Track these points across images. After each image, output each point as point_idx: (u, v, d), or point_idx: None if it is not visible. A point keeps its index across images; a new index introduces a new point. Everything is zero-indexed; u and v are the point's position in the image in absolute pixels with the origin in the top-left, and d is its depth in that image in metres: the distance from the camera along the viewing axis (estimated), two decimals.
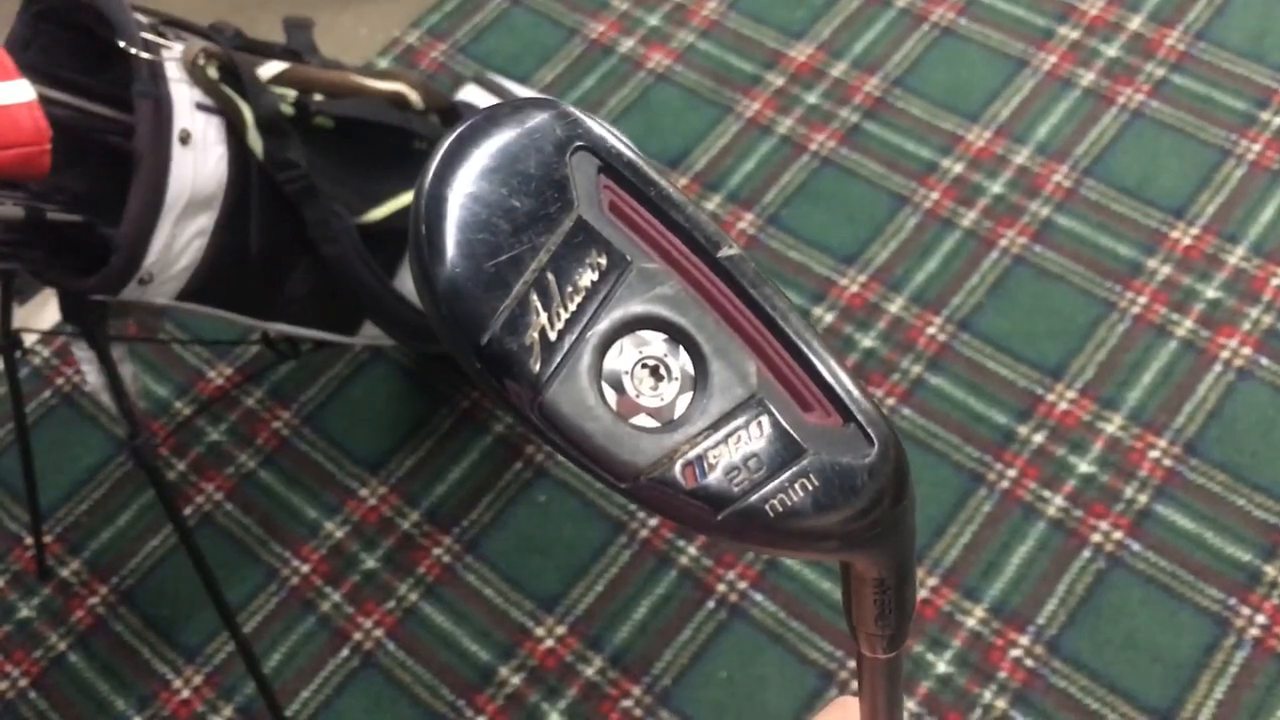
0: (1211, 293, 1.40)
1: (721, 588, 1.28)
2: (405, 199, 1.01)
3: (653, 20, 1.72)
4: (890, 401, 1.37)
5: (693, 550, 1.30)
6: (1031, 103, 1.56)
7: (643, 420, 0.25)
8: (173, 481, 1.41)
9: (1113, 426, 1.32)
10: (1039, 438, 1.32)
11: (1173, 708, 1.16)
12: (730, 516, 0.26)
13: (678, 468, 0.25)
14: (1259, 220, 1.44)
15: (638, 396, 0.26)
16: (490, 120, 0.26)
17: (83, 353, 1.01)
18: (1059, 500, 1.29)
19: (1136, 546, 1.25)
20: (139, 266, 0.87)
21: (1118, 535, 1.26)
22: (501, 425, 1.41)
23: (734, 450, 0.26)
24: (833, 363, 0.27)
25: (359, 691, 1.27)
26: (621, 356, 0.26)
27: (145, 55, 0.86)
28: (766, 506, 0.26)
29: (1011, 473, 1.31)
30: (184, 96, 0.88)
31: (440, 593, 1.32)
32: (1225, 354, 1.35)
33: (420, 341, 1.12)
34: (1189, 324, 1.38)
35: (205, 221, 0.91)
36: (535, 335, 0.25)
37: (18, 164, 0.78)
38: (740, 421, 0.26)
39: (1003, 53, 1.61)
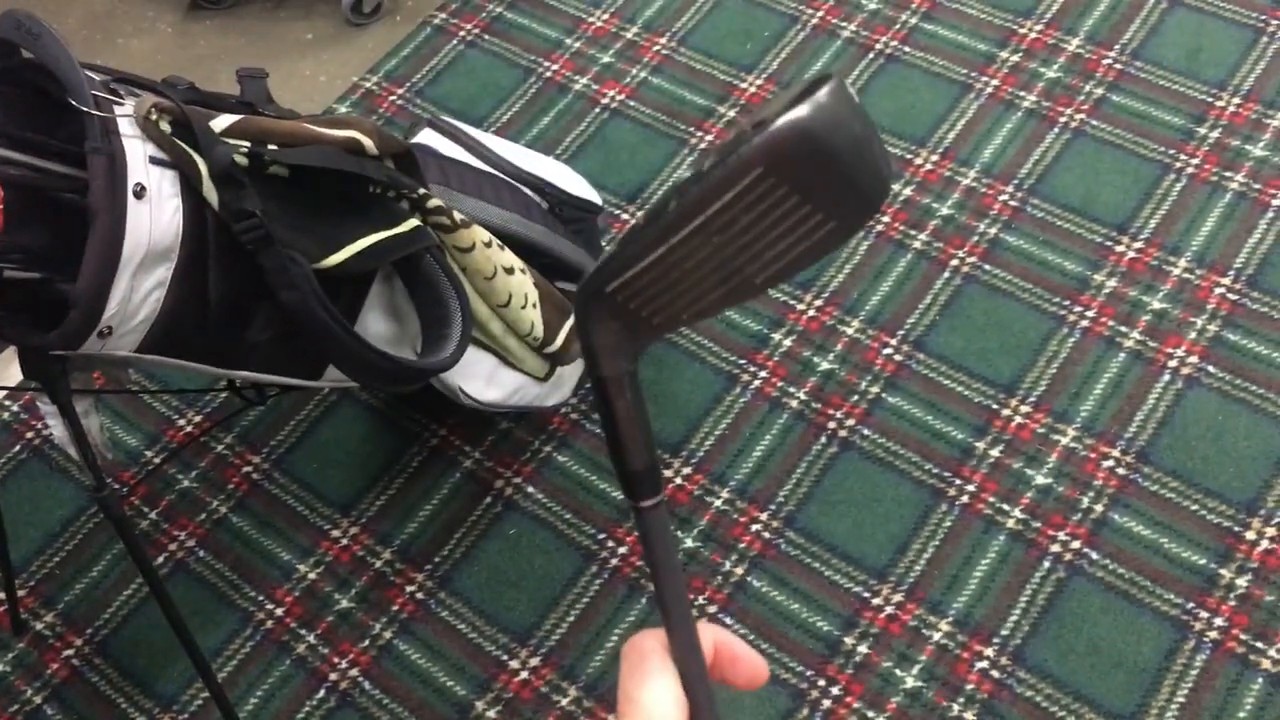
0: (1157, 304, 1.43)
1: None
2: (363, 243, 1.03)
3: (605, 58, 1.75)
4: (850, 422, 1.39)
5: None
6: (976, 125, 1.60)
7: None
8: (145, 530, 1.42)
9: (1067, 438, 1.35)
10: (996, 452, 1.35)
11: (1137, 712, 1.19)
12: None
13: None
14: (1200, 231, 1.47)
15: None
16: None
17: (47, 407, 1.02)
18: (1017, 512, 1.31)
19: (1095, 555, 1.28)
20: (98, 321, 0.89)
21: (1076, 544, 1.28)
22: (470, 461, 1.43)
23: None
24: None
25: None
26: None
27: (97, 113, 0.87)
28: None
29: (971, 487, 1.33)
30: (138, 151, 0.90)
31: (415, 629, 1.33)
32: (1173, 363, 1.39)
33: (382, 383, 1.14)
34: (1137, 335, 1.41)
35: (163, 273, 0.93)
36: None
37: None
38: None
39: (946, 77, 1.65)
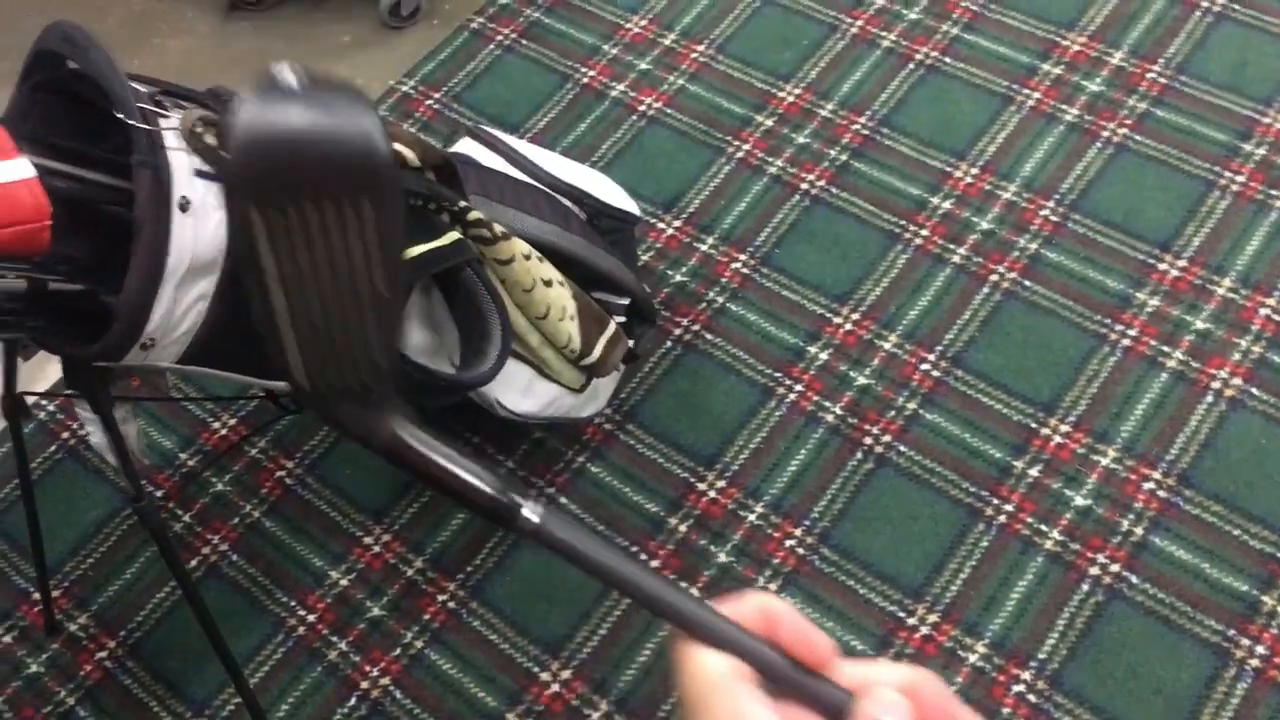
0: (1200, 324, 1.41)
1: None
2: (404, 256, 1.03)
3: (643, 64, 1.74)
4: (886, 438, 1.38)
5: (695, 591, 1.31)
6: (1017, 139, 1.58)
7: None
8: (178, 533, 1.42)
9: (1107, 459, 1.33)
10: (1034, 472, 1.34)
11: None
12: None
13: None
14: (1245, 251, 1.45)
15: None
16: None
17: (86, 413, 1.02)
18: (1056, 534, 1.30)
19: (1134, 579, 1.26)
20: (141, 333, 0.89)
21: (1115, 568, 1.27)
22: (503, 470, 1.43)
23: None
24: None
25: None
26: None
27: (144, 126, 0.87)
28: None
29: (1008, 507, 1.32)
30: (183, 164, 0.90)
31: (446, 639, 1.33)
32: (1216, 384, 1.37)
33: (418, 396, 1.13)
34: (1179, 355, 1.39)
35: (206, 286, 0.92)
36: None
37: (18, 241, 0.80)
38: None
39: (987, 90, 1.63)
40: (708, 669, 0.35)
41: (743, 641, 0.36)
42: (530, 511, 0.37)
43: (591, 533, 0.38)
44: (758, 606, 0.36)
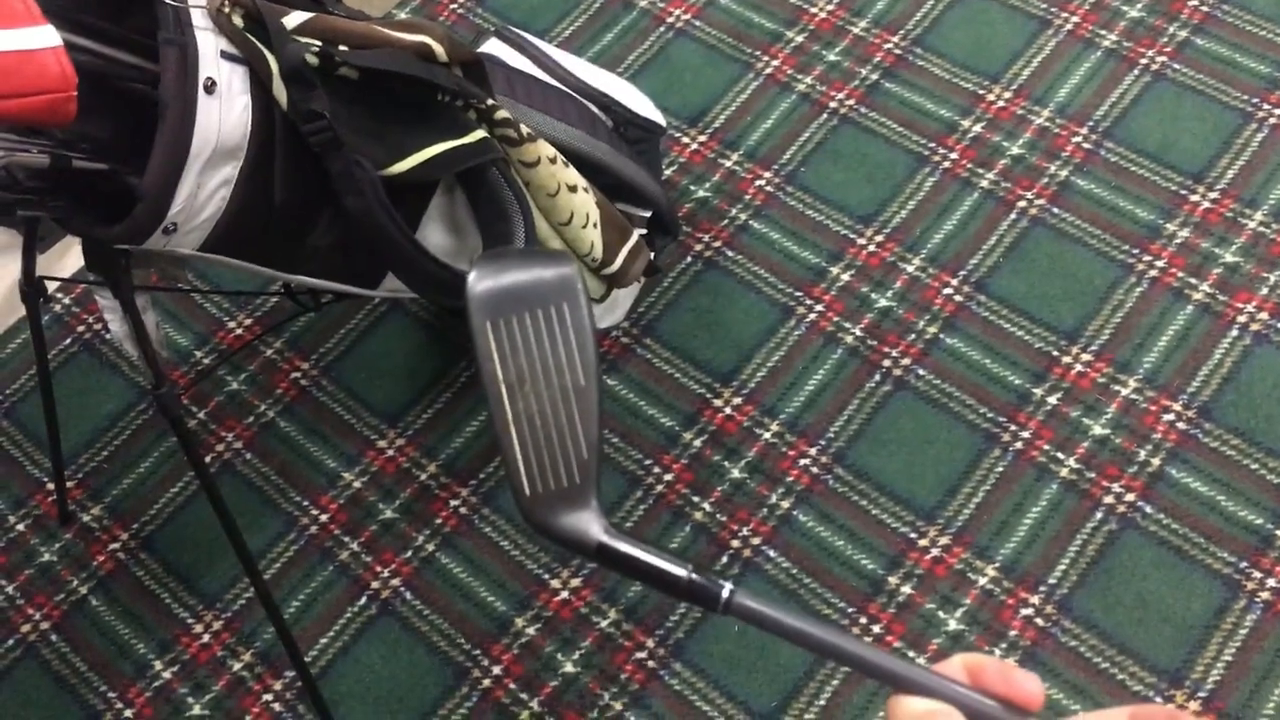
0: (1229, 257, 1.39)
1: (735, 543, 1.29)
2: (430, 152, 1.01)
3: None
4: (905, 361, 1.37)
5: (707, 505, 1.31)
6: (1052, 63, 1.55)
7: None
8: (193, 430, 1.42)
9: (1127, 389, 1.33)
10: (1053, 399, 1.33)
11: (1182, 669, 1.18)
12: None
13: None
14: (1279, 185, 1.43)
15: None
16: None
17: (106, 301, 1.02)
18: (1072, 462, 1.29)
19: (1149, 509, 1.26)
20: (164, 216, 0.88)
21: (1130, 497, 1.27)
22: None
23: None
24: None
25: (376, 639, 1.29)
26: None
27: (172, 2, 0.85)
28: None
29: (1025, 434, 1.31)
30: (209, 45, 0.88)
31: (457, 543, 1.33)
32: (1242, 319, 1.35)
33: (441, 294, 1.12)
34: (1206, 288, 1.38)
35: (230, 171, 0.91)
36: None
37: (43, 110, 0.78)
38: None
39: (1024, 12, 1.59)
40: (918, 705, 0.39)
41: (951, 688, 0.39)
42: (726, 591, 0.43)
43: (784, 604, 0.45)
44: (961, 662, 0.40)
